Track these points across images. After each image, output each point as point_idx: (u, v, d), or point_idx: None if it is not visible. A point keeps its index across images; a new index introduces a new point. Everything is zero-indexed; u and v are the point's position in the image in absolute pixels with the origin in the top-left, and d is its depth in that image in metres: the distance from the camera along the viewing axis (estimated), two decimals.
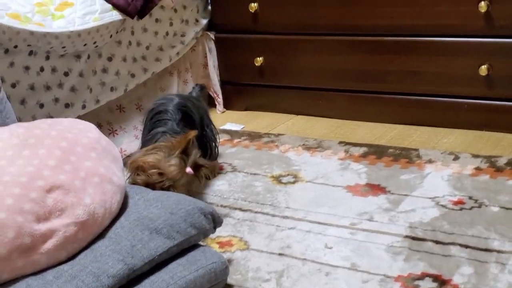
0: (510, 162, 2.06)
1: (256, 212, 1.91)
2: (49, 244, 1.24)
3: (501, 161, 2.08)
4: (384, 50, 2.50)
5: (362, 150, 2.29)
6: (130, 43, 2.44)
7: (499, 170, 2.02)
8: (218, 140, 2.20)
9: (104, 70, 2.33)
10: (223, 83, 2.92)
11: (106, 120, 2.39)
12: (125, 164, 1.69)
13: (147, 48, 2.52)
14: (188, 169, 1.78)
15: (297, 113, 2.78)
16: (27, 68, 2.02)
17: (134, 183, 1.73)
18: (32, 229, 1.22)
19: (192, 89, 2.35)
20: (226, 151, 2.38)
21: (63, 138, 1.39)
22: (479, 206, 1.82)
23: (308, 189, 2.03)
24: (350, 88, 2.63)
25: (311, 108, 2.73)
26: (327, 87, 2.67)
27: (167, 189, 1.71)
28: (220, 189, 2.08)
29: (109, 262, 1.27)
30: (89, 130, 1.49)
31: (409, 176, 2.05)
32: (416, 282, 1.50)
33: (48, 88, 2.10)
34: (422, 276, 1.52)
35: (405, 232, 1.72)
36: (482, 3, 2.25)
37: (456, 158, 2.15)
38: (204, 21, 2.83)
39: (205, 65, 2.90)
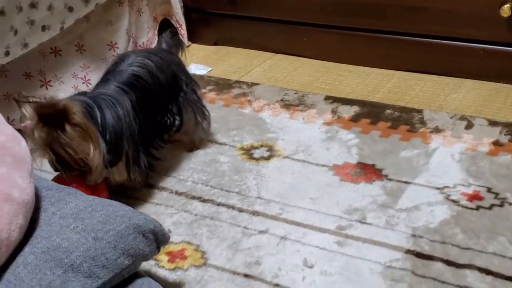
0: None
1: (219, 205, 1.51)
2: None
3: None
4: None
5: (353, 110, 1.88)
6: None
7: None
8: (205, 106, 1.73)
9: (33, 5, 1.84)
10: (187, 11, 2.44)
11: (37, 68, 1.94)
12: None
13: None
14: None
15: (276, 51, 2.32)
16: None
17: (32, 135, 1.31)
18: None
19: (159, 37, 1.85)
20: None
21: None
22: (501, 204, 1.43)
23: (286, 169, 1.63)
24: (340, 24, 2.17)
25: (293, 47, 2.28)
26: (312, 21, 2.21)
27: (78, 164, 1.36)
28: (176, 165, 1.68)
29: None
30: None
31: (411, 153, 1.65)
32: None
33: None
34: None
35: (407, 243, 1.34)
36: None
37: (469, 125, 1.75)
38: None
39: None
